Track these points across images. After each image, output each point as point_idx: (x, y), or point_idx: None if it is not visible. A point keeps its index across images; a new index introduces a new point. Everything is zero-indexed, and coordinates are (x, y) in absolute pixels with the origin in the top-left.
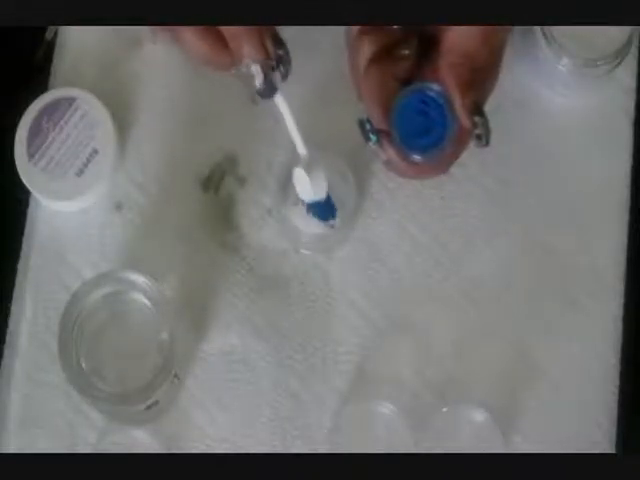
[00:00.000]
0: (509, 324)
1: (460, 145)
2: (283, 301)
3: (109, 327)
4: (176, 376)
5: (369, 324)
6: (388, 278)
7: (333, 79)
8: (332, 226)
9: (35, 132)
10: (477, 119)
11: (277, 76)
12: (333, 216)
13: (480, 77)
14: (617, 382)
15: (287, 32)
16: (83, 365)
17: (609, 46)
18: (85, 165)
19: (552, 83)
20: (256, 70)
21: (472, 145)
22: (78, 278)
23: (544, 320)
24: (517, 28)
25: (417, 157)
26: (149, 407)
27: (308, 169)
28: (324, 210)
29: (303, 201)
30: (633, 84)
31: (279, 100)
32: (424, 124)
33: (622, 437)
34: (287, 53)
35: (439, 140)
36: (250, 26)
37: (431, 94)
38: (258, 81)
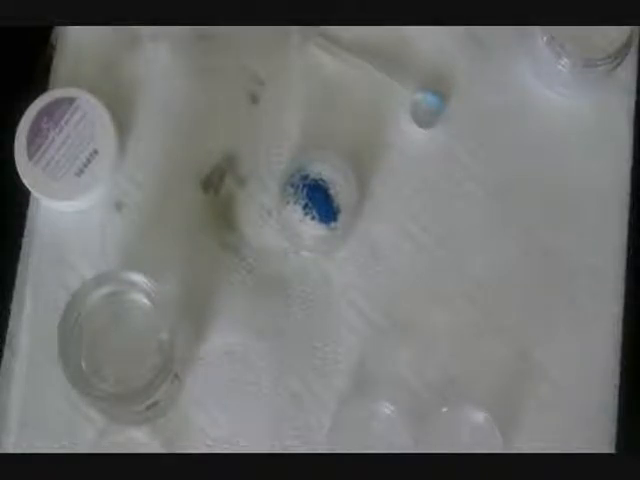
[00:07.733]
0: (509, 324)
1: None
2: (283, 301)
3: (109, 327)
4: (176, 376)
5: (369, 324)
6: (388, 278)
7: (335, 80)
8: (333, 228)
9: (35, 132)
10: None
11: None
12: (335, 219)
13: None
14: (617, 382)
15: (294, 36)
16: (83, 365)
17: (609, 46)
18: (85, 165)
19: (552, 83)
20: None
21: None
22: (78, 278)
23: (544, 320)
24: (517, 28)
25: None
26: (149, 407)
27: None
28: (326, 213)
29: (304, 204)
30: (633, 84)
31: None
32: None
33: (622, 437)
34: None
35: None
36: None
37: None
38: None
